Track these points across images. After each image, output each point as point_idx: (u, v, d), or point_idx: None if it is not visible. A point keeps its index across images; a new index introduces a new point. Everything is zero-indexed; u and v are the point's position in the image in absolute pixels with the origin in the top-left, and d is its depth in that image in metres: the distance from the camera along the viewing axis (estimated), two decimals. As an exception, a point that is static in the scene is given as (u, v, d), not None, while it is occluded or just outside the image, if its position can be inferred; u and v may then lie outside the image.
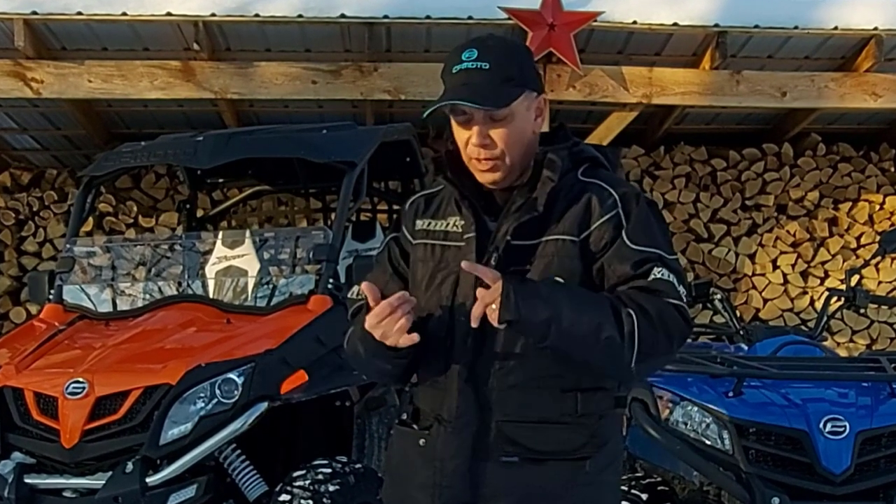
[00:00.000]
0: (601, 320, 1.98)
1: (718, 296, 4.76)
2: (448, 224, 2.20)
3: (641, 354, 2.00)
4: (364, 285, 2.11)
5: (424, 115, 2.12)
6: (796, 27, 6.36)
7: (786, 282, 7.75)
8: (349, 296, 2.40)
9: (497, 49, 2.12)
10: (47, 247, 7.61)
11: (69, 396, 3.89)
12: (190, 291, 4.89)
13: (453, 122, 2.16)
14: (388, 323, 2.04)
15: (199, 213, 6.15)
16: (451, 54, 2.14)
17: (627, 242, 2.07)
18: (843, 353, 7.13)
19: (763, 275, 7.74)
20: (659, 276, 2.04)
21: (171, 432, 3.83)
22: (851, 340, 7.62)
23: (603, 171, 2.20)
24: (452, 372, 2.11)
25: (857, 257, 7.65)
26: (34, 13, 6.07)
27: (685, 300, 2.07)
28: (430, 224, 2.24)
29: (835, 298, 4.71)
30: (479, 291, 2.00)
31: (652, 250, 2.07)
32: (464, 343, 2.10)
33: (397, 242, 2.31)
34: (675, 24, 6.30)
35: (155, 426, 3.82)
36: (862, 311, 6.06)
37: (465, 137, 2.12)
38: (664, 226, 2.18)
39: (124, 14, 6.08)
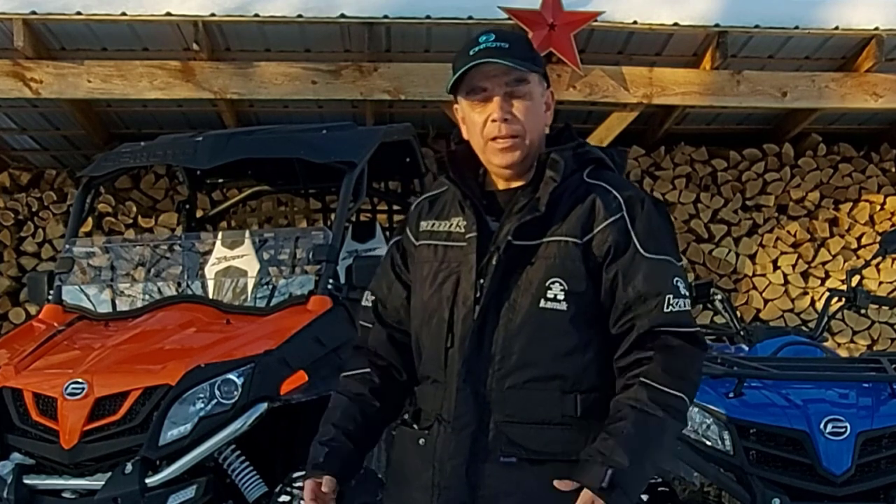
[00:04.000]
0: (668, 439, 2.05)
1: (719, 296, 4.76)
2: (451, 224, 2.20)
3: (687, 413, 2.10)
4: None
5: (448, 85, 2.14)
6: (797, 27, 6.36)
7: (786, 282, 7.74)
8: (363, 303, 2.40)
9: (513, 35, 2.21)
10: (46, 247, 7.60)
11: (68, 397, 3.88)
12: (189, 292, 4.87)
13: (467, 108, 2.16)
14: None
15: (199, 214, 6.14)
16: (464, 46, 2.16)
17: (641, 251, 2.07)
18: (843, 353, 7.12)
19: (764, 275, 7.74)
20: (677, 307, 2.07)
21: (171, 433, 3.83)
22: (852, 341, 7.62)
23: (608, 173, 2.20)
24: (452, 371, 2.11)
25: (858, 258, 7.65)
26: (33, 13, 6.06)
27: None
28: (433, 225, 2.24)
29: (835, 299, 4.71)
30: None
31: (663, 257, 2.09)
32: (463, 343, 2.10)
33: (398, 247, 2.32)
34: (675, 24, 6.30)
35: (154, 427, 3.81)
36: (863, 311, 6.03)
37: (483, 118, 2.13)
38: (671, 228, 2.19)
39: (124, 14, 6.07)
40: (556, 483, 1.99)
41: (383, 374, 2.29)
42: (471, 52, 2.11)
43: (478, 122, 2.14)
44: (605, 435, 2.01)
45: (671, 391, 2.02)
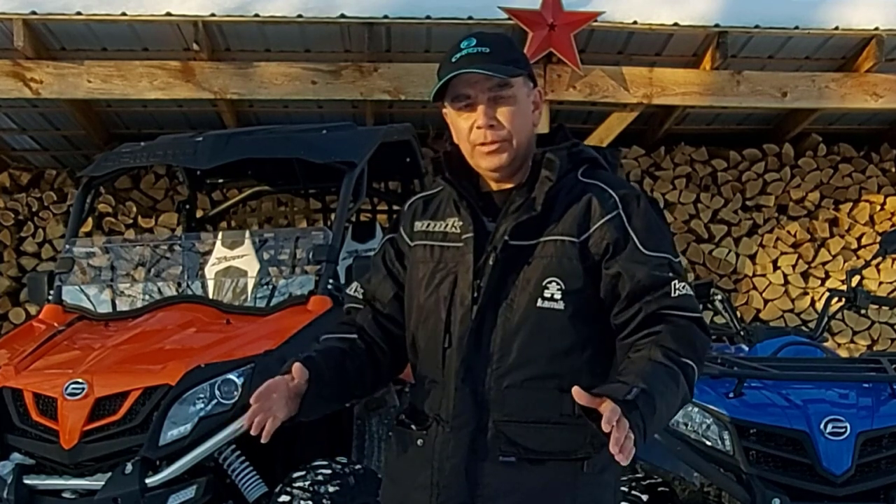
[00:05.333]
0: (683, 396, 2.03)
1: (719, 296, 4.77)
2: (447, 225, 2.20)
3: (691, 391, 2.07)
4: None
5: (431, 94, 2.13)
6: (797, 27, 6.36)
7: (786, 282, 7.75)
8: (347, 291, 2.42)
9: (495, 38, 2.18)
10: (46, 247, 7.61)
11: (68, 397, 3.88)
12: (189, 292, 4.88)
13: (453, 114, 2.16)
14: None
15: (199, 214, 6.14)
16: (448, 52, 2.15)
17: (641, 249, 2.08)
18: (843, 353, 7.12)
19: (764, 275, 7.74)
20: (683, 291, 2.08)
21: (171, 433, 3.83)
22: (852, 341, 7.62)
23: (603, 172, 2.21)
24: (450, 371, 2.11)
25: (858, 258, 7.65)
26: (33, 13, 6.06)
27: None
28: (429, 225, 2.24)
29: (835, 299, 4.72)
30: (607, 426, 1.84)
31: (662, 255, 2.09)
32: (461, 343, 2.10)
33: (393, 244, 2.32)
34: (675, 25, 6.30)
35: (154, 427, 3.81)
36: (863, 311, 6.04)
37: (469, 124, 2.13)
38: (666, 226, 2.19)
39: (124, 14, 6.07)
40: (575, 393, 1.85)
41: (367, 347, 2.27)
42: (452, 60, 2.11)
43: (464, 128, 2.14)
44: (623, 374, 1.97)
45: (683, 357, 2.01)
